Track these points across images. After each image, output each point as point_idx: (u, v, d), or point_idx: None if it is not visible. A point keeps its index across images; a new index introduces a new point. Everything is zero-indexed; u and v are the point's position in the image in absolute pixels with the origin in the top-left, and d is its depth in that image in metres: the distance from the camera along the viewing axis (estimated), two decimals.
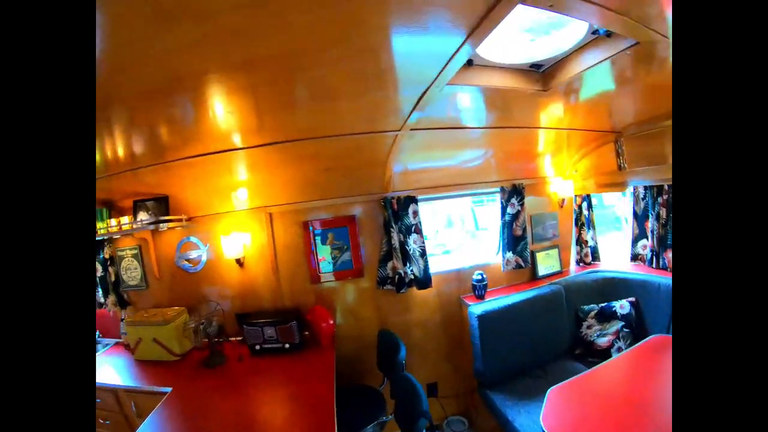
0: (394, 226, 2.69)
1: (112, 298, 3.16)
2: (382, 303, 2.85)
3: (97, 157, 2.20)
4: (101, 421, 2.77)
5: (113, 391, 2.58)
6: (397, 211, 2.71)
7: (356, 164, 2.53)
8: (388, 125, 2.03)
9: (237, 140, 2.06)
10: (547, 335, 2.85)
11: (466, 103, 2.00)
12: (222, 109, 1.67)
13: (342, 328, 2.82)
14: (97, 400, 2.68)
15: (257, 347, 2.57)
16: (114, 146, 2.07)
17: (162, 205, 2.81)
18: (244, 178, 2.59)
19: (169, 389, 2.31)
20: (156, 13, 0.88)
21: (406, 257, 2.73)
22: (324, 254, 2.80)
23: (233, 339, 2.88)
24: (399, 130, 2.07)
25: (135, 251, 3.10)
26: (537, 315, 2.81)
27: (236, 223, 2.82)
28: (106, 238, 3.09)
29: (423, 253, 2.81)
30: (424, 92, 1.58)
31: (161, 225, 2.67)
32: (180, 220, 2.79)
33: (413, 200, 2.77)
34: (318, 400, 1.89)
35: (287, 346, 2.53)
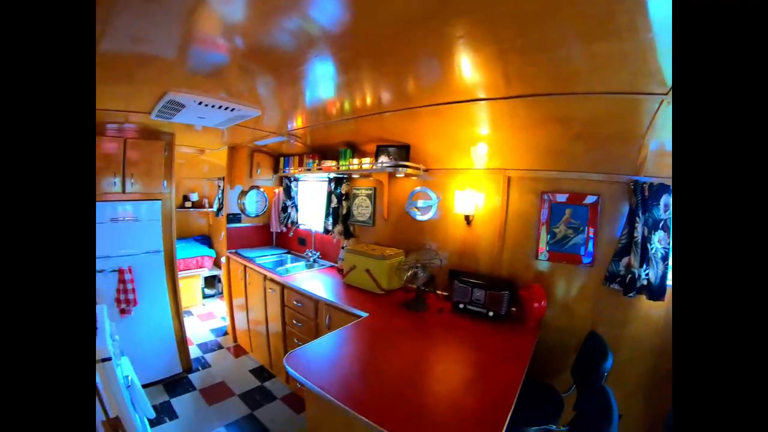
0: (640, 216, 2.17)
1: (339, 227, 3.58)
2: (602, 303, 2.36)
3: (345, 102, 2.41)
4: (294, 322, 3.21)
5: (315, 300, 2.93)
6: (647, 200, 2.17)
7: (608, 135, 2.12)
8: (652, 86, 1.61)
9: (482, 92, 1.96)
10: None
11: None
12: (469, 59, 1.60)
13: (550, 316, 2.48)
14: (299, 304, 3.10)
15: (461, 306, 2.51)
16: (363, 92, 2.20)
17: (403, 152, 2.97)
18: (486, 133, 2.49)
19: (365, 314, 2.46)
20: None
21: (645, 257, 2.17)
22: (555, 231, 2.48)
23: (439, 292, 2.90)
24: (665, 94, 1.62)
25: (369, 192, 3.40)
26: None
27: (471, 181, 2.77)
28: (346, 176, 3.49)
29: (665, 257, 2.19)
30: None
31: (399, 169, 2.82)
32: (418, 169, 2.90)
33: (667, 190, 2.17)
34: (503, 378, 1.69)
35: (491, 314, 2.39)
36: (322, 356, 1.95)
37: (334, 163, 3.31)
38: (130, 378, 2.29)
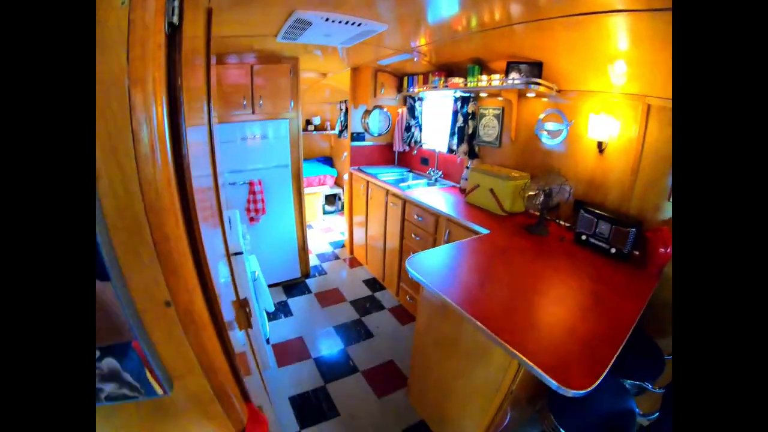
0: None
1: (464, 147, 3.53)
2: None
3: (472, 16, 2.24)
4: (413, 236, 3.33)
5: (436, 215, 3.00)
6: None
7: None
8: None
9: (621, 2, 1.72)
10: None
11: None
12: None
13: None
14: (420, 219, 3.20)
15: (583, 237, 2.39)
16: (490, 3, 2.04)
17: (535, 70, 2.75)
18: (625, 50, 2.18)
19: (486, 231, 2.49)
20: None
21: None
22: None
23: (561, 222, 2.79)
24: None
25: (497, 111, 3.27)
26: None
27: (606, 106, 2.49)
28: (473, 95, 3.38)
29: None
30: None
31: (531, 87, 2.64)
32: (550, 89, 2.68)
33: None
34: (617, 314, 1.61)
35: (613, 250, 2.24)
36: (442, 264, 2.05)
37: (461, 80, 3.20)
38: (256, 273, 2.65)
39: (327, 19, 2.27)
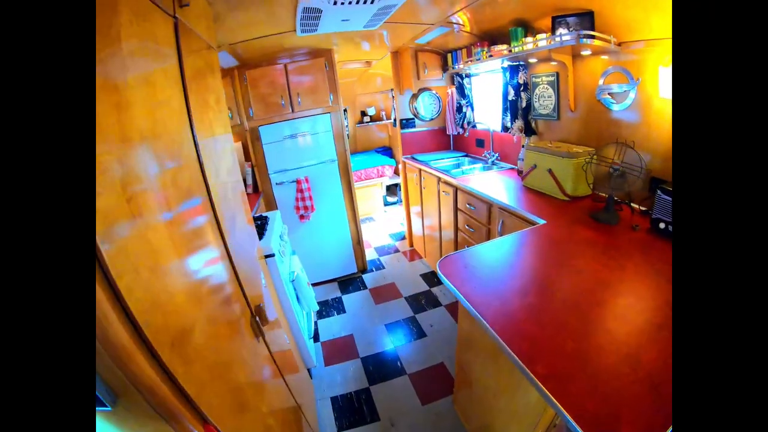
0: None
1: (518, 123, 3.14)
2: None
3: None
4: (467, 227, 3.05)
5: (488, 203, 2.69)
6: None
7: None
8: None
9: None
10: None
11: None
12: None
13: None
14: (472, 207, 2.91)
15: (662, 225, 1.87)
16: None
17: (585, 22, 2.31)
18: None
19: (542, 221, 2.14)
20: None
21: None
22: None
23: (635, 205, 2.26)
24: None
25: (551, 78, 2.84)
26: None
27: None
28: (522, 63, 2.97)
29: None
30: None
31: (583, 42, 2.22)
32: (607, 42, 2.22)
33: None
34: None
35: None
36: (483, 264, 1.75)
37: (505, 46, 2.82)
38: (295, 273, 2.57)
39: (335, 2, 2.07)
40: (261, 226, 2.62)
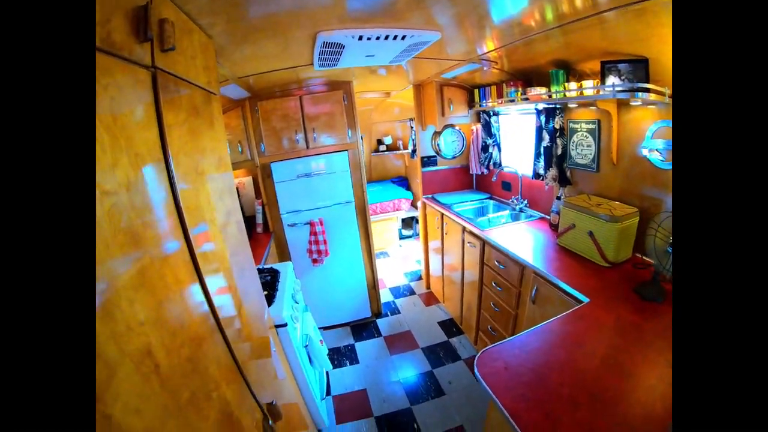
0: None
1: (552, 172, 2.86)
2: None
3: (546, 7, 1.66)
4: (494, 284, 2.78)
5: (521, 265, 2.42)
6: None
7: None
8: None
9: None
10: None
11: None
12: None
13: None
14: (501, 266, 2.65)
15: None
16: None
17: (639, 70, 2.05)
18: None
19: (585, 299, 1.86)
20: None
21: None
22: None
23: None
24: None
25: (592, 126, 2.58)
26: None
27: None
28: (559, 106, 2.72)
29: None
30: None
31: (636, 95, 1.96)
32: (662, 94, 1.95)
33: None
34: None
35: None
36: (525, 361, 1.48)
37: (543, 89, 2.57)
38: (309, 336, 2.37)
39: (360, 38, 1.85)
40: (271, 282, 2.38)
